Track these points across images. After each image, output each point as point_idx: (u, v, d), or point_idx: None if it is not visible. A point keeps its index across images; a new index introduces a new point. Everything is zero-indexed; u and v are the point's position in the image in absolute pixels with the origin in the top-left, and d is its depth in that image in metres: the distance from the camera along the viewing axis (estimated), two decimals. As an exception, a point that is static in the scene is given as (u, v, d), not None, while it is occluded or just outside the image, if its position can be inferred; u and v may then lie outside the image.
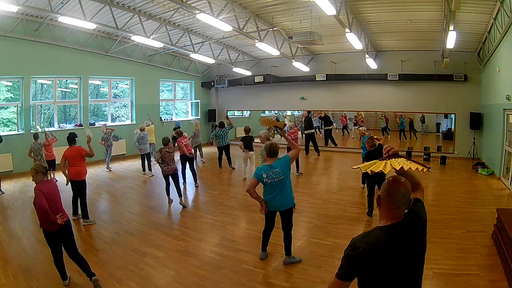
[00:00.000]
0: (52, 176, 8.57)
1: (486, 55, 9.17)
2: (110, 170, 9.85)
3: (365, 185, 7.26)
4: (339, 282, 1.54)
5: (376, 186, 5.49)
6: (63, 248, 3.49)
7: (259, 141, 6.15)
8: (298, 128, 9.33)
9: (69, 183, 5.43)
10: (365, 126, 7.82)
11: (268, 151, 3.86)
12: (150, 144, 9.78)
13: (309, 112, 12.82)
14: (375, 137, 6.18)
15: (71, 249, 3.49)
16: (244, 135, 8.49)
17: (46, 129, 9.18)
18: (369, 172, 1.72)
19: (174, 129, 11.72)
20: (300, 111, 16.48)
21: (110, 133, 9.95)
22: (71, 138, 5.55)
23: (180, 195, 6.33)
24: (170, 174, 6.33)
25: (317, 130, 14.82)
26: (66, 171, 5.41)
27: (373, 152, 5.56)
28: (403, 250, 1.53)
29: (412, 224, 1.60)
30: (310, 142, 11.85)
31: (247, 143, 8.29)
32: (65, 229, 3.42)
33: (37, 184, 3.39)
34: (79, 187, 5.45)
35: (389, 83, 11.84)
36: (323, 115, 13.89)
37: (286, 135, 4.32)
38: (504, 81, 7.43)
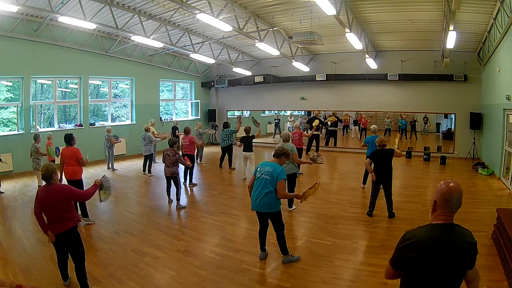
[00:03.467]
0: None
1: (486, 55, 9.17)
2: (115, 170, 9.85)
3: (365, 185, 7.29)
4: (389, 267, 1.77)
5: (381, 186, 5.47)
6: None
7: (264, 142, 6.18)
8: (301, 130, 9.28)
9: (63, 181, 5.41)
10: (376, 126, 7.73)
11: (274, 151, 4.03)
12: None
13: (309, 112, 12.81)
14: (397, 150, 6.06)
15: (74, 258, 3.32)
16: (244, 135, 8.51)
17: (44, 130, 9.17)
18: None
19: (173, 127, 11.68)
20: (300, 111, 16.50)
21: (111, 136, 9.91)
22: (68, 139, 5.53)
23: (177, 199, 6.28)
24: (168, 177, 6.32)
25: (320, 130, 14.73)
26: (60, 169, 5.38)
27: (381, 152, 5.51)
28: (448, 249, 1.60)
29: (460, 230, 1.68)
30: (314, 141, 11.82)
31: (247, 143, 8.31)
32: (67, 236, 3.22)
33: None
34: (76, 186, 5.43)
35: (389, 83, 11.84)
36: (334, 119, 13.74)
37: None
38: (504, 81, 7.43)
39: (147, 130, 9.38)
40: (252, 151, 8.36)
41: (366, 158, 7.21)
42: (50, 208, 3.16)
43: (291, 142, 6.34)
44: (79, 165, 5.51)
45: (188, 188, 7.78)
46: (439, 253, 1.59)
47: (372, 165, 5.55)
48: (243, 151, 8.39)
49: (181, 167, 7.89)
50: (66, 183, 5.45)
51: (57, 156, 7.29)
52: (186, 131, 8.14)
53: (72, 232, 3.24)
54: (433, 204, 1.71)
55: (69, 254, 3.37)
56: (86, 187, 5.83)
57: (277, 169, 3.78)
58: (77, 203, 5.51)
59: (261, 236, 4.10)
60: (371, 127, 7.71)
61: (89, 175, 9.18)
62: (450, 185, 1.68)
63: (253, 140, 8.48)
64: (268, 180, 3.75)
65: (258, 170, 3.90)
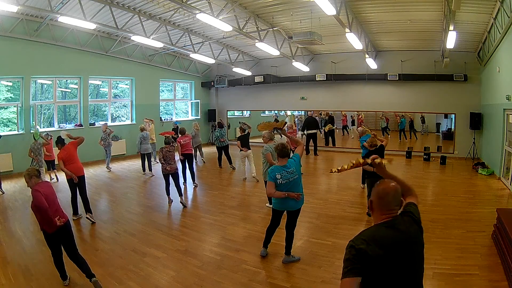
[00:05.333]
0: (52, 176, 8.59)
1: (486, 55, 9.17)
2: (110, 170, 9.85)
3: (365, 185, 7.29)
4: (350, 280, 1.43)
5: None
6: (62, 248, 3.48)
7: (262, 141, 6.16)
8: (296, 129, 9.37)
9: (72, 179, 5.42)
10: (364, 126, 7.84)
11: (279, 152, 3.85)
12: (150, 144, 9.80)
13: (308, 112, 12.84)
14: (378, 137, 6.14)
15: (71, 250, 3.48)
16: (240, 134, 8.53)
17: (40, 130, 9.18)
18: (335, 170, 1.77)
19: (173, 129, 11.70)
20: (300, 111, 16.52)
21: (109, 134, 9.93)
22: (60, 140, 5.72)
23: (180, 194, 6.33)
24: (171, 174, 6.33)
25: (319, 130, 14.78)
26: (66, 170, 5.41)
27: (373, 152, 5.53)
28: (402, 242, 1.54)
29: (407, 219, 1.64)
30: (311, 142, 11.85)
31: (244, 141, 8.32)
32: (64, 230, 3.42)
33: (33, 186, 3.37)
34: (79, 182, 5.49)
35: (389, 83, 11.84)
36: (326, 117, 13.77)
37: (287, 133, 4.35)
38: (504, 81, 7.43)
39: (142, 129, 9.38)
40: (250, 149, 8.37)
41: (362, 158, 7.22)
42: (56, 200, 3.48)
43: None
44: (79, 161, 5.60)
45: (189, 188, 7.77)
46: (398, 250, 1.51)
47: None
48: (240, 150, 8.39)
49: (180, 167, 7.91)
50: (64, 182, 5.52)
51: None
52: (182, 132, 8.15)
53: (68, 221, 3.52)
54: (369, 204, 1.69)
55: (62, 250, 3.47)
56: (88, 187, 5.87)
57: (294, 164, 3.80)
58: (81, 200, 5.55)
59: (271, 233, 4.10)
60: (358, 130, 7.74)
61: (90, 175, 9.19)
62: (385, 184, 1.67)
63: (252, 140, 8.50)
64: (297, 178, 3.79)
65: (279, 177, 3.69)
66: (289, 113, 17.76)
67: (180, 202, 6.28)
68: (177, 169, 6.37)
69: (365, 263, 1.46)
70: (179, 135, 8.11)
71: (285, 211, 3.93)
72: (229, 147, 9.77)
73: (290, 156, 3.92)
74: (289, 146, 4.04)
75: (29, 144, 7.92)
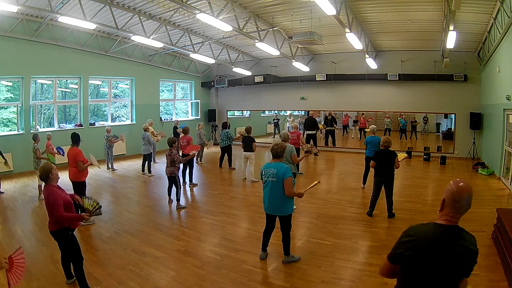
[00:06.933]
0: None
1: (486, 55, 9.17)
2: (115, 170, 9.84)
3: (365, 185, 7.29)
4: (387, 262, 1.73)
5: (383, 186, 5.46)
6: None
7: (266, 142, 6.18)
8: (300, 131, 9.33)
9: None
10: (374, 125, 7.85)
11: (271, 151, 3.97)
12: (151, 145, 9.77)
13: (308, 112, 12.82)
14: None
15: (70, 260, 3.38)
16: (245, 135, 8.51)
17: (40, 130, 9.16)
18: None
19: (174, 127, 11.58)
20: (300, 111, 16.51)
21: (110, 136, 9.90)
22: (74, 138, 5.47)
23: (177, 199, 6.28)
24: (168, 177, 6.33)
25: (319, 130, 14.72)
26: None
27: (384, 152, 5.47)
28: (445, 252, 1.56)
29: (465, 239, 1.63)
30: (311, 142, 11.85)
31: (247, 143, 8.31)
32: (55, 236, 3.28)
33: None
34: (79, 188, 5.41)
35: (389, 83, 11.84)
36: (329, 117, 13.70)
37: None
38: (504, 81, 7.43)
39: (145, 130, 9.39)
40: (253, 151, 8.36)
41: (365, 158, 7.23)
42: (46, 206, 3.26)
43: (289, 142, 6.33)
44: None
45: (188, 188, 7.78)
46: (435, 256, 1.55)
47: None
48: (244, 151, 8.40)
49: (181, 167, 7.91)
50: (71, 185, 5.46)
51: (62, 155, 7.25)
52: (185, 131, 8.16)
53: (58, 234, 3.25)
54: (441, 203, 1.68)
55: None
56: (88, 187, 5.86)
57: (281, 168, 3.75)
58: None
59: (266, 237, 4.10)
60: (370, 127, 7.73)
61: (89, 175, 9.05)
62: (460, 185, 1.66)
63: (259, 141, 8.47)
64: (275, 182, 3.74)
65: (263, 173, 3.86)
66: (288, 112, 17.71)
67: (176, 206, 6.25)
68: (172, 173, 6.23)
69: (404, 252, 1.63)
70: (182, 134, 8.12)
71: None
72: (232, 148, 9.75)
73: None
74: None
75: (28, 144, 7.90)
